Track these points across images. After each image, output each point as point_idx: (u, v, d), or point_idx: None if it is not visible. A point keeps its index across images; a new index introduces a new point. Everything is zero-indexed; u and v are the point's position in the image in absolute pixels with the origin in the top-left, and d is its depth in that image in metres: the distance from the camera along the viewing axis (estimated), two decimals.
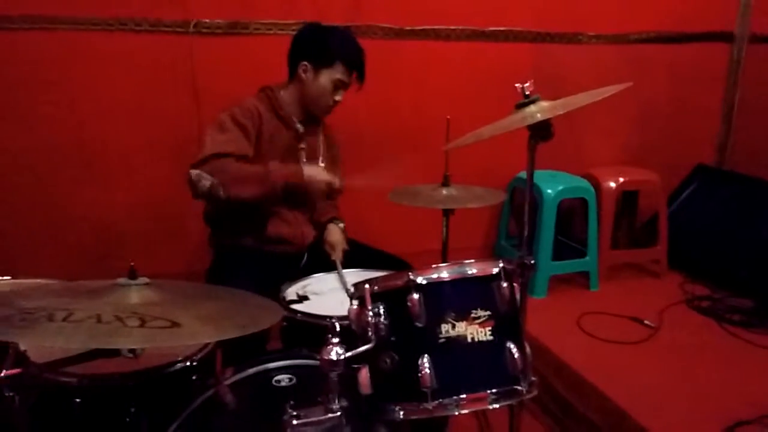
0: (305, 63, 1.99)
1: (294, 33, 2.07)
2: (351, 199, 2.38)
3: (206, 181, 1.80)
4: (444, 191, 1.97)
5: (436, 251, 2.05)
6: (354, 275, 1.85)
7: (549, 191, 2.78)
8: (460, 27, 2.82)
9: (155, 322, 0.97)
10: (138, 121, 2.51)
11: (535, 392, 1.15)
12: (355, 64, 2.00)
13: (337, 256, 1.99)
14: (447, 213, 1.98)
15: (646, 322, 2.50)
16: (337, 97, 2.02)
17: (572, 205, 3.04)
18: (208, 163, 1.81)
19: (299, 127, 2.06)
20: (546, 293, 2.82)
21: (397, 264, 2.09)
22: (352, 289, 1.21)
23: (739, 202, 3.04)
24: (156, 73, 2.48)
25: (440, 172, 1.99)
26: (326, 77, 1.98)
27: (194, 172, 1.81)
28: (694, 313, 2.64)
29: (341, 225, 2.18)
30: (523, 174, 1.56)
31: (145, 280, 1.12)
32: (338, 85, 2.00)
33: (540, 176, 2.82)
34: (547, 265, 2.81)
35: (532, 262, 1.51)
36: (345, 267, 1.92)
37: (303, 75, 2.00)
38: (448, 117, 1.87)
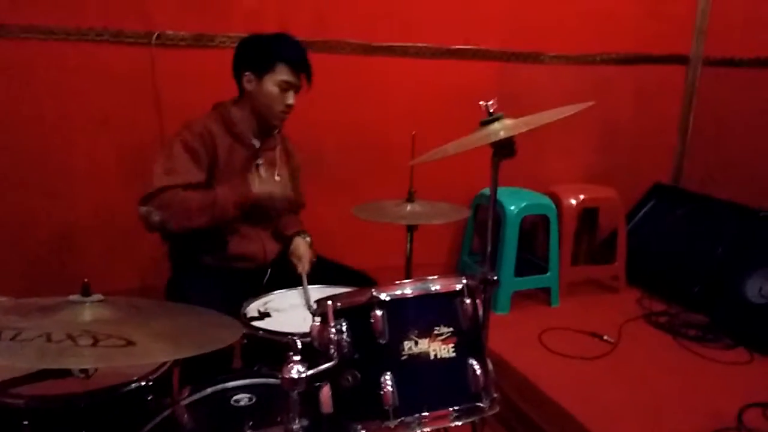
0: (248, 73, 1.95)
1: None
2: (314, 214, 2.37)
3: (156, 216, 1.81)
4: (408, 207, 1.98)
5: (399, 267, 2.05)
6: (318, 291, 1.83)
7: (512, 208, 2.81)
8: (427, 44, 2.85)
9: (108, 341, 0.94)
10: (99, 132, 2.45)
11: (497, 409, 1.15)
12: (298, 63, 1.96)
13: (304, 269, 1.97)
14: (411, 229, 1.98)
15: (605, 337, 2.54)
16: (289, 101, 1.97)
17: (534, 221, 3.09)
18: (155, 198, 1.81)
19: (255, 142, 2.02)
20: (509, 309, 2.84)
21: (362, 280, 2.08)
22: (315, 306, 1.19)
23: (694, 220, 3.13)
24: (117, 84, 2.43)
25: (405, 188, 2.00)
26: (270, 81, 1.93)
27: (143, 208, 1.82)
28: (652, 329, 2.69)
29: (308, 239, 2.16)
30: (487, 191, 1.58)
31: (99, 296, 1.08)
32: (285, 87, 1.95)
33: (503, 193, 2.86)
34: (510, 282, 2.84)
35: (495, 278, 1.52)
36: (309, 282, 1.90)
37: (248, 86, 1.96)
38: (414, 133, 1.89)
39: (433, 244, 3.10)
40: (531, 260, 3.07)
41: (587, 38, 3.16)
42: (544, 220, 2.93)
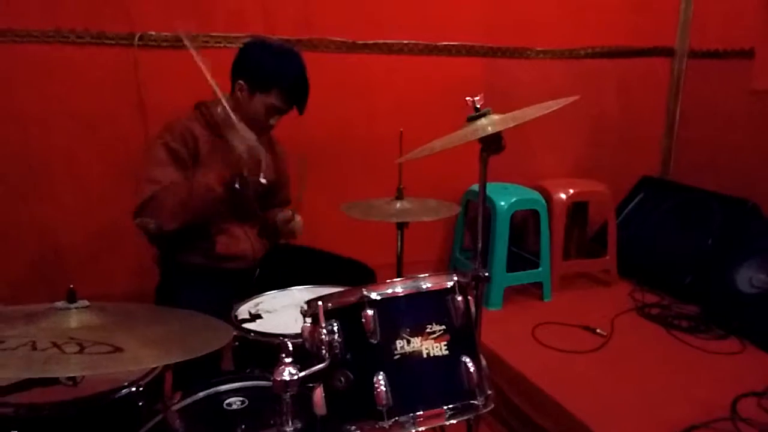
0: (241, 81, 1.92)
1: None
2: (304, 213, 2.35)
3: (151, 224, 1.81)
4: (398, 204, 1.97)
5: (390, 265, 2.04)
6: (309, 292, 1.81)
7: (502, 203, 2.81)
8: (413, 41, 2.84)
9: (95, 348, 0.92)
10: (83, 135, 2.42)
11: (491, 406, 1.14)
12: (293, 94, 1.92)
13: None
14: (401, 226, 1.97)
15: (598, 330, 2.54)
16: (272, 122, 1.95)
17: (525, 216, 3.09)
18: (145, 208, 1.80)
19: None
20: (501, 305, 2.84)
21: (359, 269, 2.06)
22: (304, 306, 1.18)
23: (683, 212, 3.14)
24: (100, 86, 2.41)
25: (394, 186, 1.99)
26: (260, 101, 1.90)
27: (138, 220, 1.82)
28: (644, 321, 2.69)
29: (298, 218, 2.10)
30: (476, 186, 1.57)
31: (85, 302, 1.06)
32: (272, 111, 1.92)
33: (493, 189, 2.86)
34: (502, 277, 2.83)
35: (486, 274, 1.51)
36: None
37: (238, 93, 1.93)
38: (401, 130, 1.88)
39: (424, 241, 3.09)
40: (522, 255, 3.07)
41: (572, 32, 3.16)
42: (535, 215, 2.93)
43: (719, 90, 3.31)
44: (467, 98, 1.51)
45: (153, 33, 2.42)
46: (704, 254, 2.88)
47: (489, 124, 1.47)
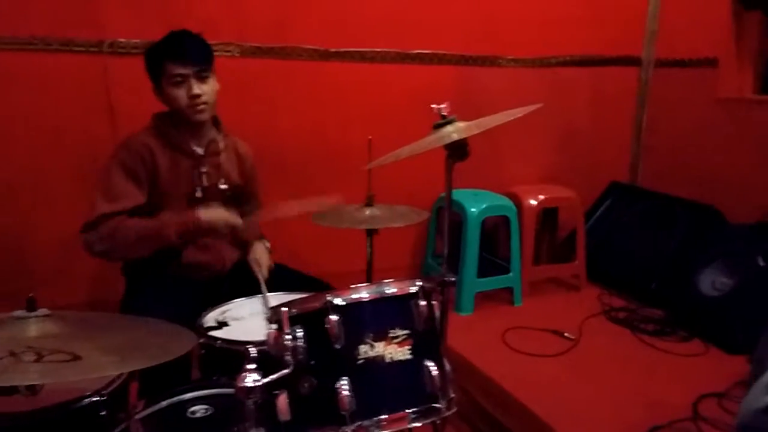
0: (153, 86, 1.92)
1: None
2: (274, 220, 2.34)
3: (98, 246, 1.78)
4: (367, 212, 1.98)
5: (362, 272, 2.05)
6: (277, 299, 1.81)
7: (473, 210, 2.83)
8: (385, 49, 2.86)
9: (54, 356, 0.92)
10: (49, 143, 2.39)
11: (454, 409, 1.16)
12: (180, 53, 1.86)
13: (263, 275, 1.95)
14: (371, 233, 1.98)
15: (566, 334, 2.58)
16: (193, 91, 1.86)
17: (496, 222, 3.12)
18: (98, 226, 1.77)
19: (197, 150, 1.97)
20: (472, 310, 2.86)
21: (321, 287, 2.06)
22: (269, 312, 1.18)
23: (650, 217, 3.21)
24: (68, 94, 2.38)
25: (366, 193, 2.00)
26: (166, 83, 1.87)
27: (85, 236, 1.78)
28: (611, 324, 2.74)
29: (267, 244, 2.14)
30: None
31: (45, 311, 1.05)
32: (179, 80, 1.86)
33: (464, 195, 2.89)
34: (473, 282, 2.86)
35: (453, 279, 1.54)
36: (268, 289, 1.88)
37: (160, 98, 1.92)
38: (370, 138, 1.89)
39: (397, 247, 3.10)
40: (493, 261, 3.10)
41: (543, 41, 3.21)
42: (505, 221, 2.96)
43: (685, 98, 3.40)
44: (432, 106, 1.53)
45: (123, 40, 2.41)
46: (669, 259, 2.94)
47: (454, 131, 1.50)
